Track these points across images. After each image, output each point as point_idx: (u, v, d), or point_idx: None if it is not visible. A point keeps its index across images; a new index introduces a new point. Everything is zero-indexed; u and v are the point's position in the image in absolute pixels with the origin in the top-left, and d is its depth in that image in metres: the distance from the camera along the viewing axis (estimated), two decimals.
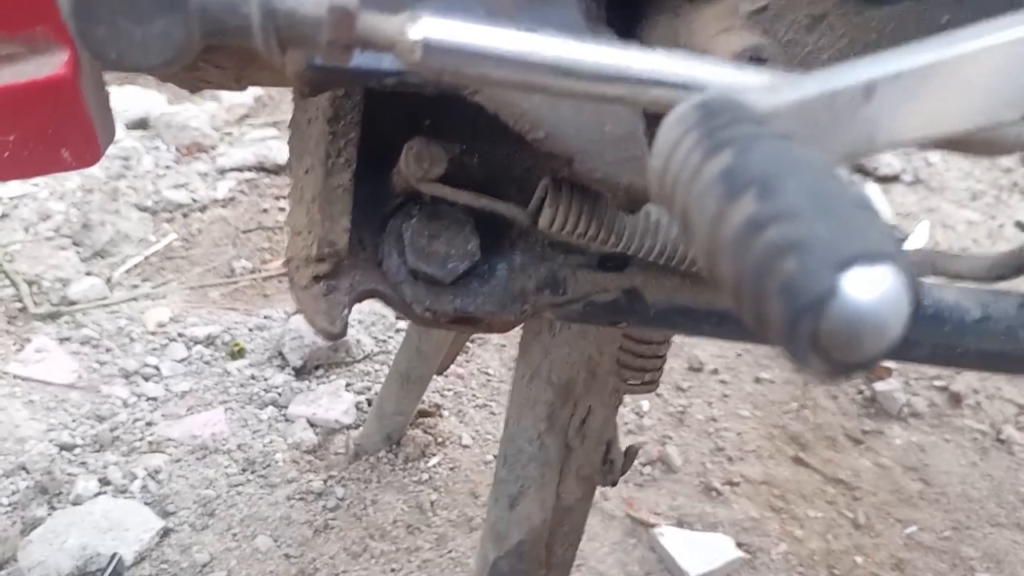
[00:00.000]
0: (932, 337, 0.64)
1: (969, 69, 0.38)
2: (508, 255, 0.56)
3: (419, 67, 0.36)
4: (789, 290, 0.26)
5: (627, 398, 1.64)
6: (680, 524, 1.40)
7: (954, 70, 0.38)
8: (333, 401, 1.46)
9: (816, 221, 0.27)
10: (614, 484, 0.84)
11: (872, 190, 2.47)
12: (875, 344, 0.25)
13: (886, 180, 2.54)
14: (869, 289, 0.25)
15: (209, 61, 0.65)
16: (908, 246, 2.02)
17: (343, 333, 0.52)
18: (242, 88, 0.72)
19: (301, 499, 1.29)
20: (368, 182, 0.53)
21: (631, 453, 0.84)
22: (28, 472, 1.29)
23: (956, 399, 1.78)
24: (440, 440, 1.44)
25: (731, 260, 0.28)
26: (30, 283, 1.68)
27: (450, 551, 1.24)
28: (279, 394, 1.48)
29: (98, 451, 1.35)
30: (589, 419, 0.85)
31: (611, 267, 0.58)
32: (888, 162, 2.55)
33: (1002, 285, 0.64)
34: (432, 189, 0.51)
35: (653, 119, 0.33)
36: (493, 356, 1.69)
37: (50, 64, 0.36)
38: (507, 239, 0.56)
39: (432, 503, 1.32)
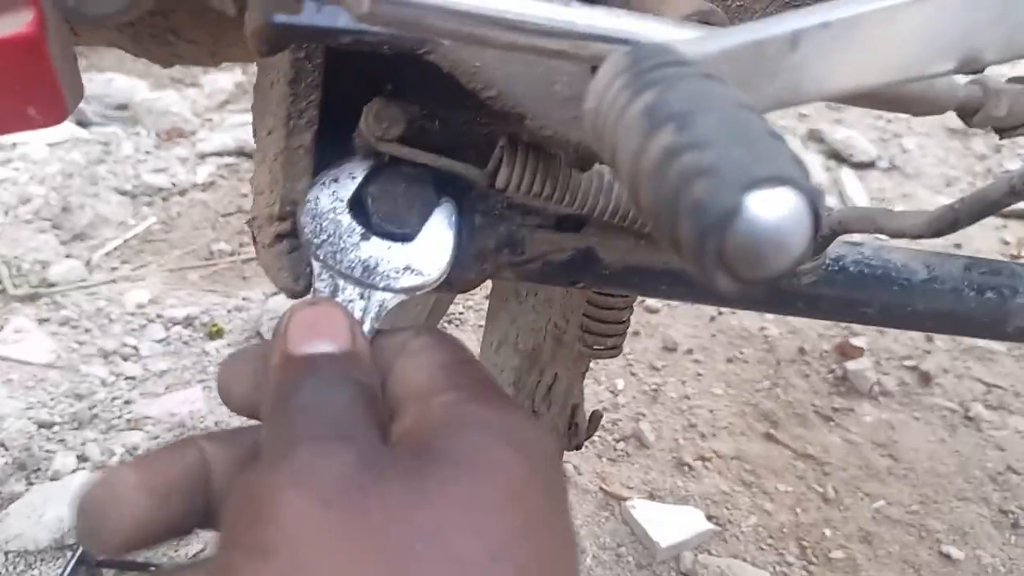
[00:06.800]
0: (881, 297, 0.66)
1: (898, 20, 0.39)
2: (468, 216, 0.58)
3: (369, 18, 0.37)
4: (698, 210, 0.28)
5: (602, 377, 1.66)
6: (652, 497, 1.42)
7: (883, 20, 0.39)
8: None
9: (727, 149, 0.29)
10: (579, 448, 0.86)
11: (848, 176, 2.50)
12: (777, 261, 0.27)
13: (862, 166, 2.57)
14: (771, 209, 0.27)
15: (181, 36, 0.66)
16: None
17: (306, 291, 0.54)
18: (216, 64, 0.73)
19: None
20: (330, 145, 0.55)
21: (595, 418, 0.86)
22: (6, 449, 1.30)
23: (926, 378, 1.81)
24: None
25: (650, 187, 0.30)
26: (9, 265, 1.69)
27: None
28: None
29: (76, 429, 1.36)
30: (555, 385, 0.87)
31: (568, 227, 0.60)
32: (864, 149, 2.58)
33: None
34: (392, 148, 0.53)
35: None
36: (470, 337, 1.70)
37: (15, 23, 0.37)
38: (467, 201, 0.58)
39: None
